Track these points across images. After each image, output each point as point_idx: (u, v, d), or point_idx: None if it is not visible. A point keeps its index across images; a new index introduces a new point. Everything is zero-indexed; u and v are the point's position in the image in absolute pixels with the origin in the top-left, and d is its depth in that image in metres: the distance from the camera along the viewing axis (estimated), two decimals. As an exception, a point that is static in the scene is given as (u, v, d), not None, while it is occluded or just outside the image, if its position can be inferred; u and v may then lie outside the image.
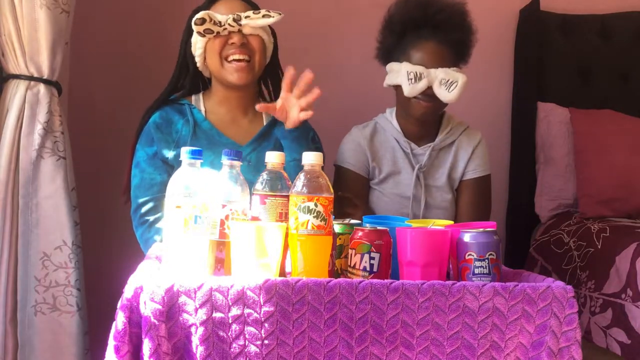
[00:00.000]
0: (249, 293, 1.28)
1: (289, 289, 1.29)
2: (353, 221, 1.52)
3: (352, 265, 1.40)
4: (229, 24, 1.87)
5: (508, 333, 1.32)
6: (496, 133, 2.78)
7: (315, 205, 1.36)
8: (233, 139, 1.94)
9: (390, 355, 1.30)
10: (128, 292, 1.28)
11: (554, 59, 2.77)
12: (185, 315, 1.28)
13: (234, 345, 1.28)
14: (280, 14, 1.90)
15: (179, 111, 1.95)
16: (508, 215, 2.81)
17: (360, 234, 1.40)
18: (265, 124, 2.00)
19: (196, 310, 1.28)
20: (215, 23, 1.86)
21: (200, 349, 1.27)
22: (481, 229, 1.43)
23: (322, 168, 1.43)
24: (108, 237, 2.45)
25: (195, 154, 1.40)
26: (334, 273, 1.43)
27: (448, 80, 1.90)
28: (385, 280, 1.32)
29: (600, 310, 2.08)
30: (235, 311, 1.28)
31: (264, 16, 1.88)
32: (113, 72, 2.57)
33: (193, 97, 2.00)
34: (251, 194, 1.43)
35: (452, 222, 1.62)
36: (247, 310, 1.28)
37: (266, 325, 1.28)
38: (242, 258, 1.35)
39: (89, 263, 2.16)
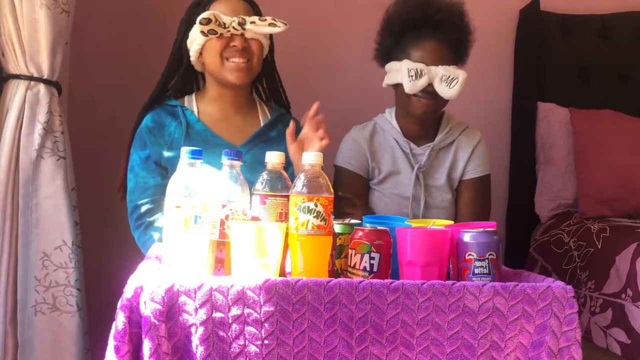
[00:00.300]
0: (249, 293, 1.28)
1: (289, 289, 1.29)
2: (353, 221, 1.52)
3: (352, 265, 1.40)
4: (233, 27, 1.87)
5: (508, 333, 1.32)
6: (496, 133, 2.78)
7: (315, 205, 1.36)
8: (227, 139, 1.94)
9: (390, 355, 1.30)
10: (128, 292, 1.28)
11: (554, 59, 2.77)
12: (185, 315, 1.28)
13: (234, 345, 1.28)
14: (285, 24, 1.90)
15: (172, 113, 1.95)
16: (508, 215, 2.81)
17: (360, 234, 1.40)
18: (262, 124, 2.00)
19: (196, 310, 1.28)
20: (220, 24, 1.86)
21: (200, 349, 1.27)
22: (481, 229, 1.43)
23: (322, 168, 1.43)
24: (108, 237, 2.45)
25: (195, 154, 1.40)
26: (334, 273, 1.43)
27: (449, 77, 1.91)
28: (385, 280, 1.32)
29: (600, 310, 2.08)
30: (235, 311, 1.28)
31: (270, 25, 1.89)
32: (113, 72, 2.57)
33: (186, 99, 2.00)
34: (251, 194, 1.43)
35: (452, 222, 1.62)
36: (247, 310, 1.28)
37: (266, 325, 1.28)
38: (242, 258, 1.35)
39: (89, 263, 2.16)
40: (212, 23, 1.85)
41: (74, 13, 2.02)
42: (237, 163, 1.43)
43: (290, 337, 1.29)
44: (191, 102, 1.98)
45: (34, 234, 1.93)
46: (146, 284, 1.27)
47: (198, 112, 1.96)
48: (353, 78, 2.68)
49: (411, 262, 1.39)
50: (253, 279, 1.29)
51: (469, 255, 1.40)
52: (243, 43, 1.90)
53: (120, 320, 1.26)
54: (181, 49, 1.96)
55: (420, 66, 1.92)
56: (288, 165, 1.85)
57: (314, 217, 1.36)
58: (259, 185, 1.43)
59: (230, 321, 1.28)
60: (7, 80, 1.96)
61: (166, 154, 1.89)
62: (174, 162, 1.85)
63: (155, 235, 1.82)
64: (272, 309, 1.28)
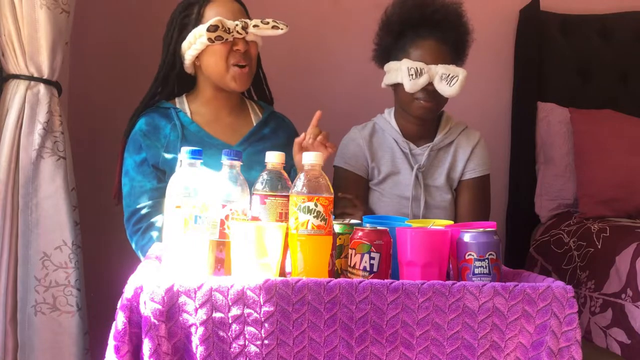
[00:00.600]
0: (249, 293, 1.28)
1: (289, 289, 1.29)
2: (353, 221, 1.52)
3: (352, 265, 1.40)
4: (237, 32, 1.87)
5: (508, 333, 1.32)
6: (496, 133, 2.78)
7: (315, 205, 1.36)
8: (222, 139, 1.94)
9: (390, 355, 1.30)
10: (128, 292, 1.28)
11: (554, 59, 2.77)
12: (185, 315, 1.28)
13: (234, 345, 1.28)
14: (287, 26, 1.91)
15: (165, 116, 1.95)
16: (508, 215, 2.81)
17: (360, 234, 1.40)
18: (254, 123, 2.01)
19: (196, 310, 1.28)
20: (225, 30, 1.86)
21: (200, 349, 1.27)
22: (481, 229, 1.43)
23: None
24: (108, 237, 2.45)
25: (195, 154, 1.40)
26: (334, 273, 1.43)
27: (449, 75, 1.91)
28: (385, 280, 1.32)
29: (600, 310, 2.08)
30: (235, 311, 1.28)
31: (273, 27, 1.89)
32: (113, 72, 2.57)
33: (177, 100, 1.99)
34: (251, 194, 1.43)
35: (452, 222, 1.62)
36: (247, 310, 1.28)
37: (266, 325, 1.28)
38: (242, 258, 1.35)
39: (89, 263, 2.16)
40: (220, 30, 1.85)
41: (74, 13, 2.02)
42: (237, 163, 1.43)
43: (290, 337, 1.29)
44: (183, 104, 1.98)
45: (34, 234, 1.93)
46: (146, 284, 1.27)
47: (190, 113, 1.96)
48: (352, 78, 2.68)
49: (411, 262, 1.39)
50: (253, 279, 1.29)
51: (469, 255, 1.40)
52: (245, 46, 1.90)
53: (120, 320, 1.26)
54: (174, 54, 1.96)
55: (420, 65, 1.92)
56: (290, 168, 1.86)
57: (314, 217, 1.36)
58: (259, 185, 1.43)
59: (230, 321, 1.28)
60: (7, 80, 1.96)
61: (163, 156, 1.88)
62: (171, 164, 1.85)
63: (154, 234, 1.82)
64: (272, 309, 1.28)
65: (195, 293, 1.28)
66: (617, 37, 2.83)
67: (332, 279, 1.32)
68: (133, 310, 1.27)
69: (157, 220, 1.83)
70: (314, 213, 1.36)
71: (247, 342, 1.28)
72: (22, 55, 1.93)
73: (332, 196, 1.39)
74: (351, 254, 1.41)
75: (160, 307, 1.26)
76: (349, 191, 1.98)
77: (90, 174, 2.41)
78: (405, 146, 2.04)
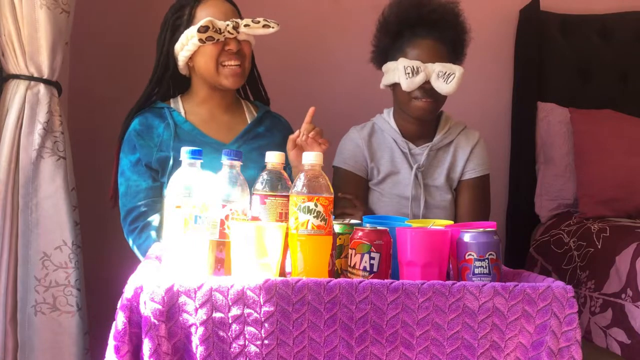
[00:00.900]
0: (249, 293, 1.28)
1: (289, 289, 1.29)
2: (353, 221, 1.52)
3: (352, 265, 1.40)
4: (228, 32, 1.88)
5: (508, 333, 1.32)
6: (496, 133, 2.78)
7: (315, 205, 1.36)
8: (216, 137, 1.94)
9: (390, 355, 1.30)
10: (128, 292, 1.28)
11: (554, 59, 2.77)
12: (185, 315, 1.28)
13: (234, 345, 1.28)
14: (278, 24, 1.92)
15: (159, 115, 1.95)
16: (508, 215, 2.81)
17: (360, 234, 1.40)
18: (249, 121, 2.01)
19: (196, 310, 1.28)
20: (216, 30, 1.86)
21: (200, 349, 1.27)
22: (481, 229, 1.43)
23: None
24: (108, 237, 2.45)
25: (196, 154, 1.40)
26: (334, 273, 1.43)
27: (445, 73, 1.91)
28: (385, 280, 1.32)
29: (600, 310, 2.08)
30: (235, 311, 1.28)
31: (264, 26, 1.90)
32: (113, 72, 2.57)
33: (171, 101, 2.00)
34: (251, 193, 1.43)
35: (452, 222, 1.62)
36: (247, 310, 1.28)
37: (266, 325, 1.28)
38: (242, 258, 1.35)
39: (89, 263, 2.16)
40: (210, 30, 1.86)
41: (74, 13, 2.02)
42: (237, 163, 1.43)
43: (290, 337, 1.29)
44: (177, 104, 1.99)
45: (34, 234, 1.93)
46: (146, 284, 1.27)
47: (185, 113, 1.97)
48: (352, 78, 2.68)
49: (411, 262, 1.39)
50: (253, 279, 1.29)
51: (469, 255, 1.40)
52: (237, 46, 1.91)
53: (120, 320, 1.26)
54: (168, 55, 1.96)
55: (416, 63, 1.92)
56: (286, 166, 1.85)
57: (314, 217, 1.36)
58: (259, 185, 1.43)
59: (230, 321, 1.28)
60: (7, 80, 1.96)
61: (156, 155, 1.89)
62: (164, 163, 1.86)
63: (153, 233, 1.82)
64: (272, 309, 1.28)
65: (195, 293, 1.28)
66: (617, 37, 2.83)
67: (332, 279, 1.32)
68: (133, 310, 1.27)
69: (154, 219, 1.84)
70: (314, 213, 1.36)
71: (247, 342, 1.28)
72: (22, 55, 1.93)
73: (332, 196, 1.39)
74: (351, 254, 1.41)
75: (160, 307, 1.26)
76: (349, 191, 1.98)
77: (90, 174, 2.41)
78: (405, 146, 2.04)
